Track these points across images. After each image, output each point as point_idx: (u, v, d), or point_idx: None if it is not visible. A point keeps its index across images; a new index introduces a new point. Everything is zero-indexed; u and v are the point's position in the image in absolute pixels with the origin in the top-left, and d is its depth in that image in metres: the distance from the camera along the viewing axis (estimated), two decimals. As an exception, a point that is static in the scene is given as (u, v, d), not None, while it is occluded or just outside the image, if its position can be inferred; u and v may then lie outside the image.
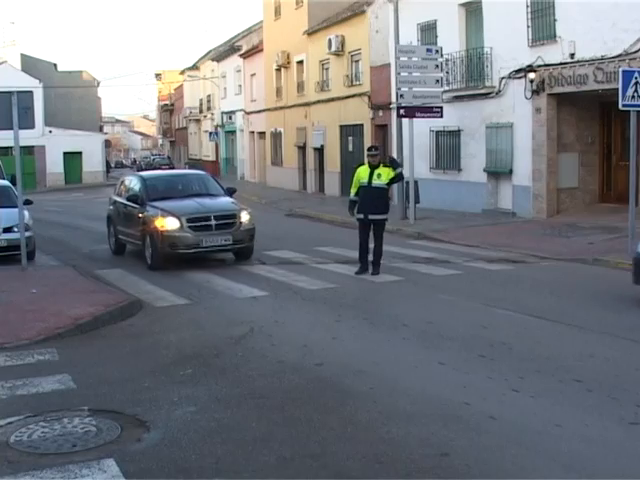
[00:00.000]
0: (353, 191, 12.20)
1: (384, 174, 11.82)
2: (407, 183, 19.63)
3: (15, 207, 12.97)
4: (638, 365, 6.72)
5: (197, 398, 5.90)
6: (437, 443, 4.90)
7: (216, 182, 14.94)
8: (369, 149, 12.51)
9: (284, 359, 7.01)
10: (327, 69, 31.63)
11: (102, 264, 13.86)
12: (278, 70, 37.10)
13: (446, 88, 20.91)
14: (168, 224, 12.58)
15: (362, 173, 11.94)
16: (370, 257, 11.90)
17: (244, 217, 13.17)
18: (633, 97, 12.61)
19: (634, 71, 13.03)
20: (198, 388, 6.18)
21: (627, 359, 6.95)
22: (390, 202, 12.38)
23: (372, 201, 11.75)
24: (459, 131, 22.19)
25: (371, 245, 11.94)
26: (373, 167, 11.85)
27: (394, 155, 23.10)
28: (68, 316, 8.68)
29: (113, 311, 9.08)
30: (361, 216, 11.91)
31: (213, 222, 12.69)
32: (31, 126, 12.05)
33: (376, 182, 11.75)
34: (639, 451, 4.79)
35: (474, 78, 21.19)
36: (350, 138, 29.42)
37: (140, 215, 13.46)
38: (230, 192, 14.45)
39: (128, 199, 14.05)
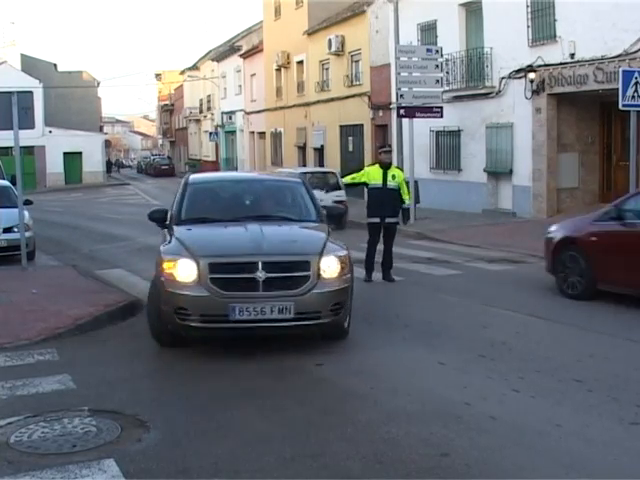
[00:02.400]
0: (349, 179, 11.95)
1: (398, 176, 11.50)
2: (407, 183, 19.61)
3: (15, 207, 12.96)
4: (638, 365, 6.73)
5: (197, 398, 5.90)
6: (437, 443, 4.90)
7: (310, 197, 8.85)
8: (383, 146, 12.16)
9: (284, 359, 7.00)
10: (327, 69, 31.66)
11: (102, 264, 13.85)
12: (278, 70, 37.13)
13: (446, 88, 20.92)
14: (177, 271, 7.06)
15: (374, 174, 11.42)
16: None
17: (327, 266, 7.21)
18: (633, 97, 12.63)
19: (634, 71, 13.05)
20: (198, 388, 6.17)
21: (627, 359, 6.95)
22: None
23: (388, 203, 11.29)
24: (459, 131, 22.20)
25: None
26: (385, 168, 11.41)
27: (394, 155, 23.13)
28: (68, 316, 8.67)
29: (113, 311, 9.07)
30: (376, 220, 11.41)
31: (261, 274, 6.87)
32: (31, 126, 12.04)
33: (391, 184, 11.33)
34: (639, 451, 4.79)
35: (474, 78, 21.21)
36: (350, 138, 29.45)
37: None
38: (332, 216, 8.86)
39: (150, 216, 8.52)
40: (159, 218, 8.41)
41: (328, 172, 22.24)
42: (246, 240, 7.38)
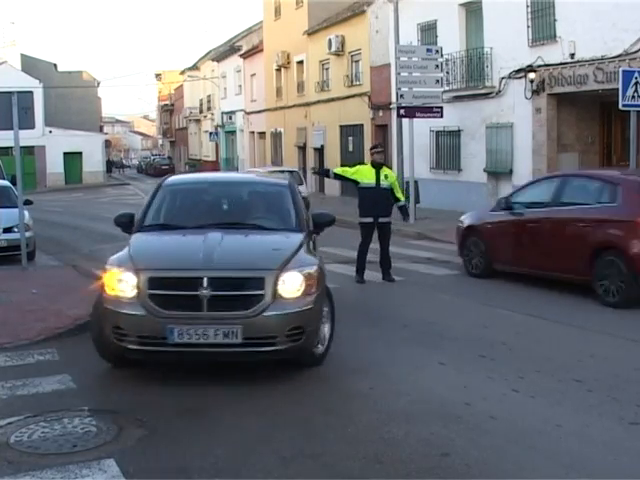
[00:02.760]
0: (340, 171, 12.13)
1: (390, 176, 11.52)
2: (407, 183, 19.64)
3: (15, 207, 12.97)
4: (638, 365, 6.73)
5: (197, 398, 5.89)
6: (437, 443, 4.90)
7: (293, 203, 7.76)
8: (374, 146, 12.16)
9: (284, 359, 6.98)
10: (327, 69, 31.68)
11: (102, 264, 13.77)
12: (278, 70, 37.13)
13: (446, 88, 20.92)
14: (117, 285, 6.38)
15: (367, 173, 11.40)
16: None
17: (288, 283, 6.26)
18: (633, 97, 12.62)
19: (634, 71, 13.05)
20: (198, 388, 6.17)
21: (627, 359, 6.96)
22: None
23: (381, 203, 11.28)
24: (459, 131, 22.20)
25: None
26: (377, 167, 11.39)
27: (394, 155, 23.18)
28: (68, 316, 8.67)
29: (113, 311, 9.05)
30: (370, 220, 11.35)
31: (205, 291, 6.05)
32: (31, 126, 12.04)
33: (384, 183, 11.31)
34: (639, 451, 4.79)
35: (474, 78, 21.20)
36: (350, 138, 29.45)
37: None
38: (319, 225, 7.75)
39: (115, 221, 7.72)
40: (124, 223, 7.57)
41: (292, 171, 23.20)
42: (197, 252, 6.45)
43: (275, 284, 6.16)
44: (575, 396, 5.85)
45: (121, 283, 6.32)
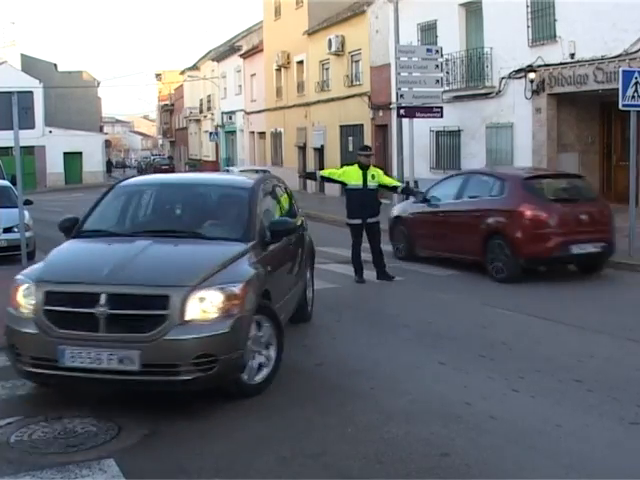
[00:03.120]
0: (327, 173, 12.36)
1: (377, 175, 11.46)
2: (407, 183, 19.61)
3: (15, 207, 12.96)
4: (638, 365, 6.73)
5: (197, 398, 5.88)
6: (437, 443, 4.90)
7: (248, 210, 6.79)
8: (363, 148, 12.02)
9: (284, 359, 6.98)
10: (327, 69, 31.69)
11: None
12: (278, 70, 37.14)
13: (446, 88, 20.92)
14: (18, 299, 5.76)
15: (353, 174, 11.31)
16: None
17: (202, 304, 5.44)
18: (633, 97, 12.61)
19: (634, 71, 13.03)
20: (197, 388, 6.15)
21: (627, 359, 6.96)
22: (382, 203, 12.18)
23: (368, 204, 11.25)
24: (459, 131, 22.21)
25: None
26: (364, 168, 11.32)
27: (394, 155, 23.15)
28: (68, 316, 8.65)
29: (113, 311, 9.03)
30: (358, 221, 11.35)
31: (102, 310, 5.34)
32: (31, 126, 12.01)
33: (371, 184, 11.28)
34: (639, 451, 4.79)
35: (474, 78, 21.21)
36: (350, 138, 29.45)
37: None
38: (277, 233, 6.89)
39: (60, 226, 7.55)
40: (68, 228, 7.11)
41: (264, 170, 23.91)
42: (105, 264, 5.73)
43: (184, 303, 5.35)
44: (575, 396, 5.85)
45: (22, 298, 5.71)
